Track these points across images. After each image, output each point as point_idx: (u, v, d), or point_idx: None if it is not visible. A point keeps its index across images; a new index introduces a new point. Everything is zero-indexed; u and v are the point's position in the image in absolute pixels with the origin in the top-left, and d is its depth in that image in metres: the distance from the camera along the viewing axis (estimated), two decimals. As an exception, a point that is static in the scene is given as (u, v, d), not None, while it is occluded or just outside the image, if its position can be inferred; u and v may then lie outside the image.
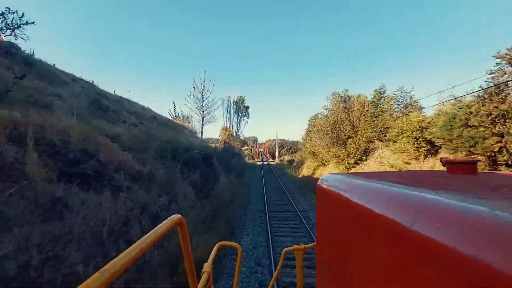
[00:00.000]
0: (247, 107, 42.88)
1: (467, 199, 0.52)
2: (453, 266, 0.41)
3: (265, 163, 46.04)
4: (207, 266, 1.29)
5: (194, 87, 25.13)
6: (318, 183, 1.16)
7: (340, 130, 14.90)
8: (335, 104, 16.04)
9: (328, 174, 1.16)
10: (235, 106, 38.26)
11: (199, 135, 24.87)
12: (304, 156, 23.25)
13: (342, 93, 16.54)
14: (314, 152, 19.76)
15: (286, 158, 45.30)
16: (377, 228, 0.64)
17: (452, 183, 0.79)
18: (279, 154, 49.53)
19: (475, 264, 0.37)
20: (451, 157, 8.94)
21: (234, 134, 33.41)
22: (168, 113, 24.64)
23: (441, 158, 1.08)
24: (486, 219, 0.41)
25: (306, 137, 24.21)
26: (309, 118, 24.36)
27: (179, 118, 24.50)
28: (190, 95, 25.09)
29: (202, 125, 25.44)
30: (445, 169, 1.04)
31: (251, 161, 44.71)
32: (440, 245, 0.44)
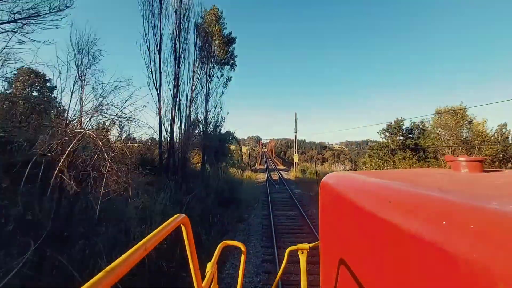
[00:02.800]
0: (231, 40, 14.60)
1: (473, 197, 0.51)
2: (460, 263, 0.40)
3: (273, 174, 24.46)
4: (211, 266, 1.27)
5: None
6: (322, 181, 1.17)
7: None
8: None
9: (333, 172, 1.20)
10: (198, 40, 11.72)
11: None
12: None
13: None
14: None
15: (314, 167, 23.57)
16: (382, 226, 0.63)
17: (459, 181, 0.79)
18: (298, 160, 26.72)
19: (483, 261, 0.37)
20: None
21: (178, 110, 10.45)
22: None
23: (447, 156, 1.08)
24: (493, 217, 0.40)
25: None
26: None
27: None
28: None
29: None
30: (450, 167, 1.03)
31: (247, 173, 23.10)
32: (447, 244, 0.43)
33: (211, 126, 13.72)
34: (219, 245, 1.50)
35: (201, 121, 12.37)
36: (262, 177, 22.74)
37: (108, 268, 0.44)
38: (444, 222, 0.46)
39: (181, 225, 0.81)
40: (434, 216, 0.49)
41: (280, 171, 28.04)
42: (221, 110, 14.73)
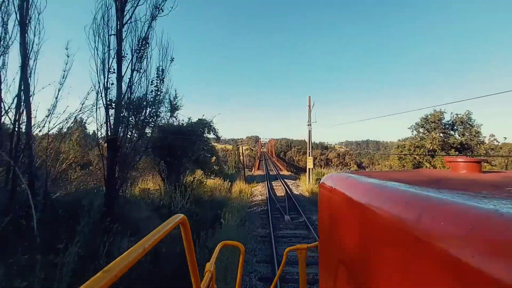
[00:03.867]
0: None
1: (470, 198, 0.51)
2: (457, 265, 0.40)
3: (276, 184, 17.49)
4: (209, 266, 1.27)
5: None
6: (321, 181, 1.18)
7: None
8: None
9: (332, 173, 1.18)
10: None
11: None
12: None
13: None
14: None
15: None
16: (381, 227, 0.63)
17: (457, 182, 0.79)
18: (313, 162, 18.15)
19: (479, 263, 0.37)
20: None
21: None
22: None
23: (445, 157, 1.07)
24: (490, 218, 0.40)
25: None
26: None
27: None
28: None
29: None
30: (449, 168, 1.03)
31: (239, 184, 16.00)
32: (444, 244, 0.43)
33: (154, 106, 6.64)
34: (218, 244, 1.52)
35: (108, 85, 5.07)
36: (260, 191, 15.58)
37: (106, 268, 0.43)
38: (442, 223, 0.46)
39: (180, 225, 0.80)
40: (432, 216, 0.49)
41: (285, 180, 20.79)
42: (148, 44, 5.79)
